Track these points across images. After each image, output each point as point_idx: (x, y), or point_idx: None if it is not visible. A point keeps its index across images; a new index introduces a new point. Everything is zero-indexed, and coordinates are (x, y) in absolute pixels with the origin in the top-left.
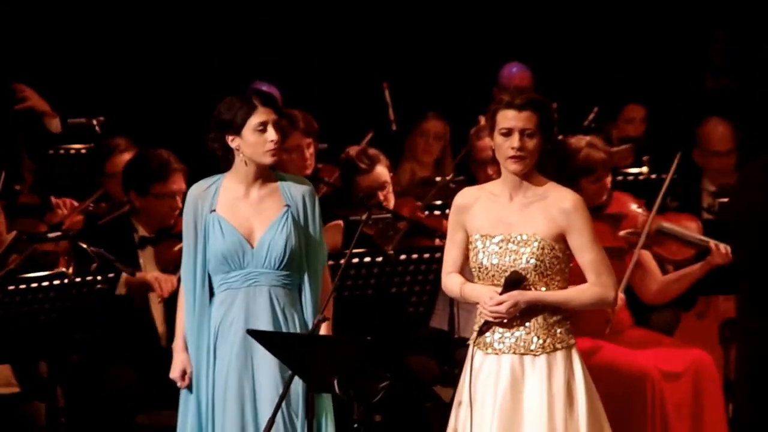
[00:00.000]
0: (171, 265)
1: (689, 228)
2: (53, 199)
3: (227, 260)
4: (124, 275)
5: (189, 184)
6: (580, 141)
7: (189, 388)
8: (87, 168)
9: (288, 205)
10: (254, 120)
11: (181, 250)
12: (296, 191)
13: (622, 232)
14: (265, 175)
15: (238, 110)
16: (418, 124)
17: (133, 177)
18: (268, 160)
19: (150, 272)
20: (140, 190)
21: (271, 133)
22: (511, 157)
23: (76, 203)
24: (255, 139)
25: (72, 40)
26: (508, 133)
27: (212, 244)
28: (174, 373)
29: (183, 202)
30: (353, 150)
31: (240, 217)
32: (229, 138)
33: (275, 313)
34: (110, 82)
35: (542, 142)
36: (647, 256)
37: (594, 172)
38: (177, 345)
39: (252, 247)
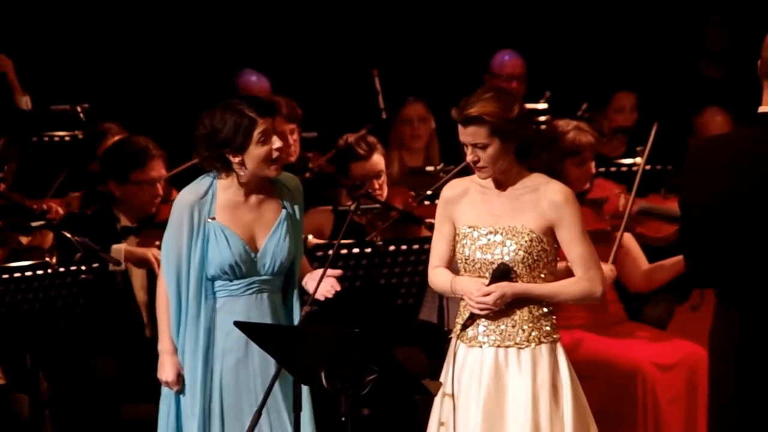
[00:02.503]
0: (149, 265)
1: (672, 207)
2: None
3: (233, 269)
4: (122, 246)
5: (169, 170)
6: (568, 124)
7: (181, 391)
8: (72, 155)
9: (285, 206)
10: (256, 134)
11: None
12: (290, 192)
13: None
14: (262, 177)
15: (238, 128)
16: (399, 112)
17: (112, 165)
18: (272, 174)
19: (149, 249)
20: (119, 178)
21: (275, 141)
22: (473, 167)
23: (61, 211)
24: (260, 152)
25: (56, 27)
26: (464, 145)
27: (215, 254)
28: (168, 377)
29: (164, 189)
30: (352, 136)
31: (241, 224)
32: (231, 155)
33: (278, 320)
34: (94, 68)
35: (503, 146)
36: (632, 241)
37: (579, 154)
38: (165, 347)
39: (255, 252)
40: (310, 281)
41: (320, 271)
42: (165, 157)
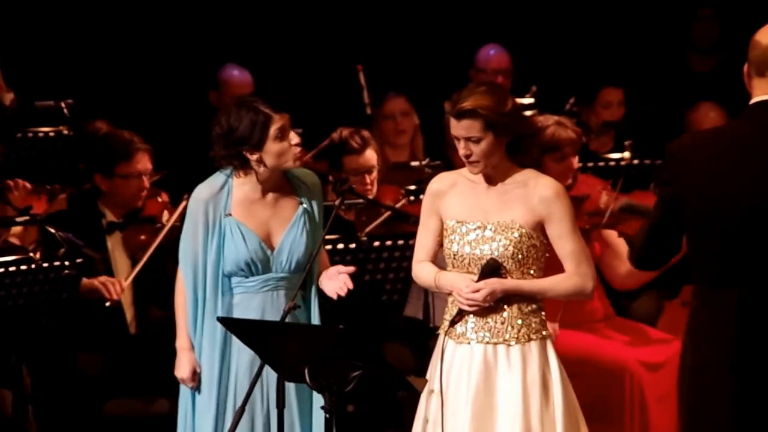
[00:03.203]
0: (139, 250)
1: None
2: (7, 181)
3: (249, 266)
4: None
5: (155, 165)
6: (548, 119)
7: (197, 388)
8: (57, 151)
9: (302, 203)
10: (273, 129)
11: (149, 237)
12: (307, 188)
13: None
14: (278, 172)
15: (255, 125)
16: (380, 108)
17: (97, 159)
18: (291, 164)
19: (96, 278)
20: (105, 172)
21: (294, 137)
22: (465, 162)
23: (29, 185)
24: (278, 148)
25: (39, 23)
26: (456, 139)
27: (232, 250)
28: (184, 373)
29: (149, 182)
30: (346, 130)
31: (258, 220)
32: (249, 153)
33: (295, 318)
34: (78, 64)
35: (496, 140)
36: (616, 239)
37: (559, 149)
38: (182, 344)
39: (272, 250)
40: (325, 280)
41: (335, 269)
42: (151, 150)
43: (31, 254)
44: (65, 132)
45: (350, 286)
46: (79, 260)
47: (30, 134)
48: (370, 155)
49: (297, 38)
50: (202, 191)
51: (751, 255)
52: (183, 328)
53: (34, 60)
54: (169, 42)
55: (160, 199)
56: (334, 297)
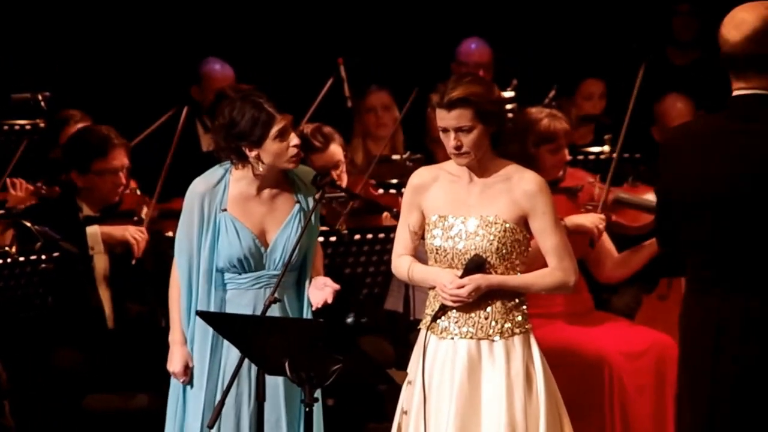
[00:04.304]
0: (118, 245)
1: (647, 196)
2: (8, 180)
3: (242, 263)
4: (96, 228)
5: (132, 160)
6: (541, 111)
7: (189, 382)
8: (34, 144)
9: (298, 202)
10: (274, 130)
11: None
12: (305, 186)
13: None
14: (276, 170)
15: (256, 122)
16: (362, 101)
17: (73, 155)
18: (291, 166)
19: (126, 228)
20: (81, 168)
21: (293, 138)
22: (454, 154)
23: (31, 186)
24: (276, 148)
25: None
26: (445, 130)
27: (225, 246)
28: (175, 367)
29: (126, 178)
30: (308, 127)
31: (252, 217)
32: (247, 149)
33: (287, 315)
34: (56, 57)
35: (485, 131)
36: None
37: (554, 140)
38: (176, 338)
39: (265, 247)
40: (312, 289)
41: (323, 281)
42: (127, 146)
43: (7, 248)
44: (42, 125)
45: (330, 301)
46: (55, 254)
47: (6, 127)
48: (335, 150)
49: (279, 32)
50: (199, 185)
51: (727, 247)
52: (176, 321)
53: (11, 52)
54: (151, 35)
55: (134, 191)
56: (315, 307)
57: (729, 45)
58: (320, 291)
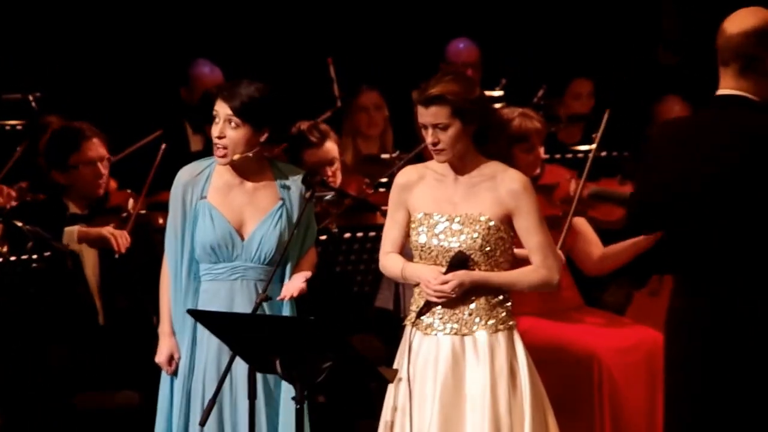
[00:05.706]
0: (96, 242)
1: (624, 191)
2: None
3: (215, 251)
4: (74, 228)
5: (112, 152)
6: (513, 111)
7: (175, 373)
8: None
9: (282, 199)
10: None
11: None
12: (292, 184)
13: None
14: (262, 164)
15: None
16: (354, 100)
17: (50, 155)
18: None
19: (105, 227)
20: (59, 166)
21: (214, 129)
22: (432, 150)
23: (13, 192)
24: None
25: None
26: (424, 127)
27: (201, 233)
28: (160, 358)
29: (107, 168)
30: (305, 124)
31: (232, 207)
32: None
33: (267, 311)
34: (46, 57)
35: (463, 128)
36: (585, 225)
37: (527, 140)
38: (164, 329)
39: (242, 239)
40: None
41: (303, 274)
42: (104, 137)
43: None
44: (19, 127)
45: (295, 295)
46: (46, 254)
47: None
48: (330, 147)
49: (267, 32)
50: (183, 174)
51: (709, 243)
52: (165, 312)
53: (1, 53)
54: (140, 36)
55: (114, 190)
56: (281, 298)
57: (724, 37)
58: (292, 282)
